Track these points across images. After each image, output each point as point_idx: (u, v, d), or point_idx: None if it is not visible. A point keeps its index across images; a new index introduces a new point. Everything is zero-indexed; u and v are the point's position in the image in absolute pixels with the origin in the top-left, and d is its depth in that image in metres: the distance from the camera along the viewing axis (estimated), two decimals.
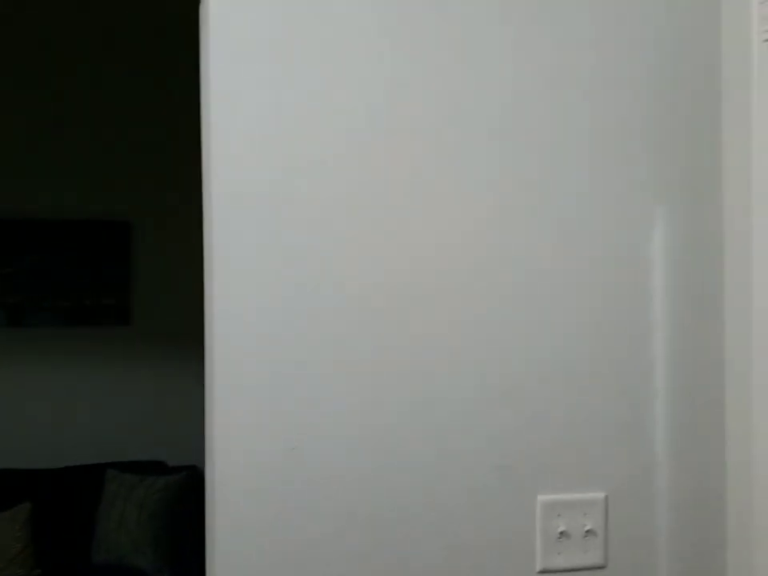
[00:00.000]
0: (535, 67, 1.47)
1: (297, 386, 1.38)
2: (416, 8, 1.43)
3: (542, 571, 1.48)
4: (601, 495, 1.50)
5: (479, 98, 1.45)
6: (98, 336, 4.07)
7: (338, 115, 1.40)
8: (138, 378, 4.10)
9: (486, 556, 1.46)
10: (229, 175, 1.36)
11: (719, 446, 1.55)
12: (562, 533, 1.48)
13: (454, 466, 1.44)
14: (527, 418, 1.47)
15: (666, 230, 1.53)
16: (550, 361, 1.48)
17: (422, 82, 1.43)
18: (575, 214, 1.49)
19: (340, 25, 1.39)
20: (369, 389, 1.41)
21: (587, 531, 1.50)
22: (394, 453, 1.42)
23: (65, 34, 3.94)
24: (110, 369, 4.09)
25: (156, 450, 4.03)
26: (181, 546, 3.60)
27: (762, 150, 1.44)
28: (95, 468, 3.83)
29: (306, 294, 1.38)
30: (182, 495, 3.71)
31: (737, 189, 1.51)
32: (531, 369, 1.47)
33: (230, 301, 1.37)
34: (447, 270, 1.44)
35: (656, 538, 1.53)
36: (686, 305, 1.54)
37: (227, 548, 1.37)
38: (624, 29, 1.51)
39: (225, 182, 1.36)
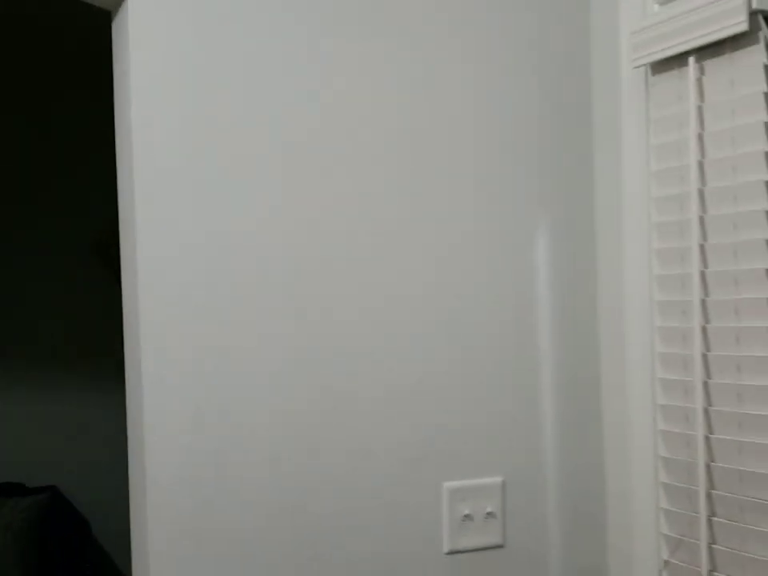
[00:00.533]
0: (420, 93, 1.60)
1: (219, 380, 1.44)
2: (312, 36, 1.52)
3: (450, 552, 1.60)
4: (498, 480, 1.64)
5: (364, 116, 1.56)
6: None
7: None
8: None
9: (397, 542, 1.56)
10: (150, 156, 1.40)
11: (598, 433, 1.72)
12: (465, 516, 1.60)
13: (366, 459, 1.54)
14: (432, 414, 1.59)
15: (547, 239, 1.68)
16: (449, 363, 1.60)
17: (316, 104, 1.53)
18: (463, 227, 1.62)
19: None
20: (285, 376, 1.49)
21: (488, 513, 1.63)
22: (307, 440, 1.50)
23: None
24: None
25: (13, 469, 3.89)
26: (48, 564, 3.50)
27: (630, 162, 1.62)
28: None
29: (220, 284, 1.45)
30: (47, 515, 3.60)
31: (607, 199, 1.69)
32: (433, 369, 1.59)
33: (154, 312, 1.41)
34: (356, 280, 1.54)
35: (548, 519, 1.68)
36: (565, 307, 1.70)
37: (158, 538, 1.40)
38: (505, 54, 1.66)
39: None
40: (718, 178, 1.47)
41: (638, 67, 1.57)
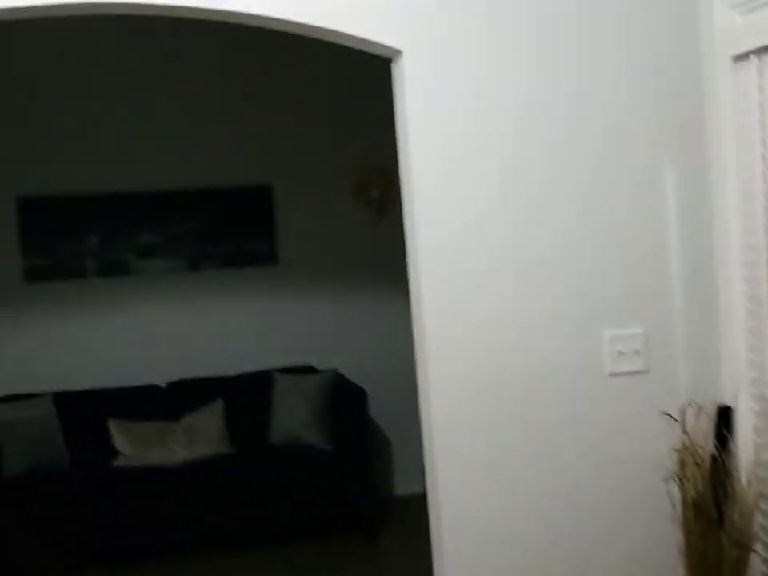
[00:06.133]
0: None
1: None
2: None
3: (611, 374, 2.58)
4: (641, 330, 2.59)
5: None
6: (255, 274, 5.30)
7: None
8: (287, 304, 5.32)
9: (575, 370, 2.56)
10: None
11: (711, 303, 2.63)
12: (620, 352, 2.58)
13: (554, 318, 2.55)
14: (598, 287, 2.56)
15: (676, 188, 2.59)
16: (603, 240, 2.57)
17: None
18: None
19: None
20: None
21: (635, 351, 2.59)
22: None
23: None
24: (265, 298, 5.31)
25: (305, 357, 5.24)
26: (336, 425, 4.79)
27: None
28: (264, 373, 5.06)
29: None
30: (332, 388, 4.90)
31: (717, 162, 2.56)
32: (599, 267, 2.57)
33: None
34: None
35: (676, 354, 2.61)
36: (684, 217, 2.60)
37: (439, 416, 2.50)
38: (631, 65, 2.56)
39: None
40: None
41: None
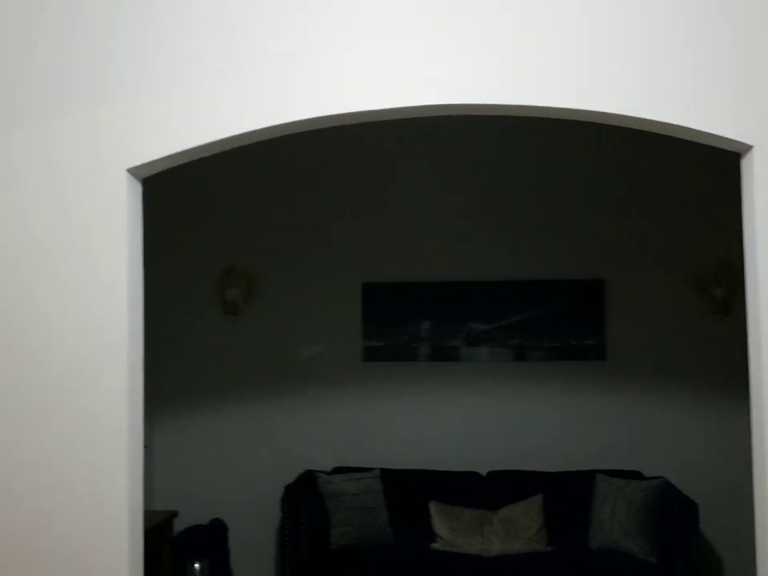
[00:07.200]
0: None
1: None
2: None
3: None
4: None
5: None
6: (581, 368, 5.19)
7: None
8: (614, 403, 5.14)
9: None
10: None
11: None
12: None
13: None
14: None
15: None
16: None
17: None
18: None
19: None
20: None
21: None
22: None
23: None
24: (591, 395, 5.17)
25: (630, 460, 5.00)
26: (662, 537, 4.47)
27: None
28: (586, 473, 4.89)
29: None
30: (660, 497, 4.59)
31: None
32: None
33: None
34: None
35: None
36: None
37: None
38: None
39: None
40: None
41: None
